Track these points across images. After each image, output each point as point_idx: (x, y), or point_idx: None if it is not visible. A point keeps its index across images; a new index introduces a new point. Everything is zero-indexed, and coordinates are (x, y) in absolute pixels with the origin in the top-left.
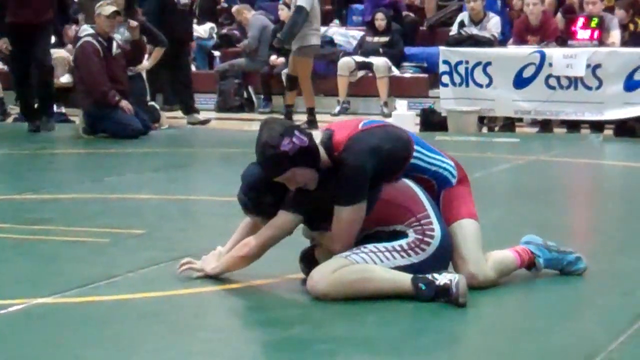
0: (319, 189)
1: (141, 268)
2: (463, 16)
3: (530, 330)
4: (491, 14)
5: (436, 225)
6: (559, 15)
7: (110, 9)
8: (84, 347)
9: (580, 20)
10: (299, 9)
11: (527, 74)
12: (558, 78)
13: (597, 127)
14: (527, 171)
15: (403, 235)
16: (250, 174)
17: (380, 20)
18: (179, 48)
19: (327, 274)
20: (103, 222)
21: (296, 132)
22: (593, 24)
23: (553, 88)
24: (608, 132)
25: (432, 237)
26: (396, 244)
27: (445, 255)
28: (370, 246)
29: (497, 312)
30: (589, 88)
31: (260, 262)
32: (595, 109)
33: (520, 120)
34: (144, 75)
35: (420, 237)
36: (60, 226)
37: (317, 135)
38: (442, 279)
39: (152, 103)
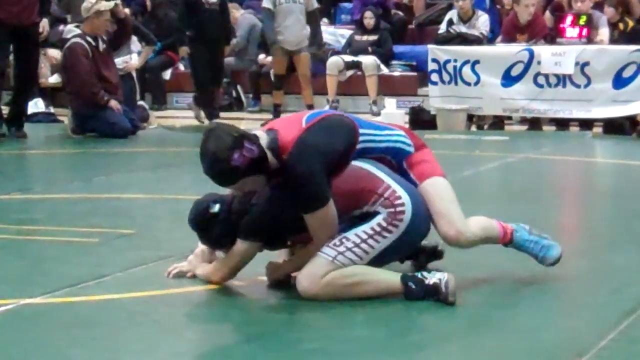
0: (271, 205)
1: (130, 268)
2: (452, 14)
3: (519, 328)
4: (480, 12)
5: (401, 192)
6: (548, 13)
7: (109, 5)
8: (72, 347)
9: (569, 18)
10: (318, 12)
11: (515, 72)
12: (546, 76)
13: (586, 124)
14: (516, 169)
15: (375, 214)
16: (191, 214)
17: (369, 18)
18: (213, 48)
19: (317, 279)
20: (92, 222)
21: (245, 144)
22: (581, 22)
23: (541, 86)
24: (597, 129)
25: (402, 204)
26: (374, 223)
27: (423, 217)
28: (352, 237)
29: (486, 310)
30: (578, 86)
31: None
32: (584, 106)
33: (509, 118)
34: (134, 74)
35: (392, 210)
36: (49, 226)
37: (262, 137)
38: (431, 278)
39: (141, 102)
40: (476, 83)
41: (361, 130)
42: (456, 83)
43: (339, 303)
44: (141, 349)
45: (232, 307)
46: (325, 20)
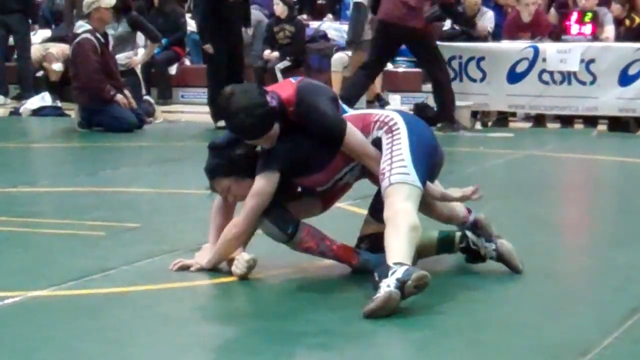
0: (286, 142)
1: (135, 261)
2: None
3: (523, 326)
4: (485, 9)
5: (388, 112)
6: (553, 10)
7: (112, 1)
8: (78, 340)
9: (574, 15)
10: (357, 6)
11: (520, 68)
12: (551, 73)
13: (590, 122)
14: (521, 166)
15: (379, 140)
16: (213, 145)
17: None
18: (235, 42)
19: (397, 205)
20: (98, 216)
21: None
22: (587, 19)
23: (546, 83)
24: (602, 127)
25: (392, 119)
26: (384, 146)
27: (420, 124)
28: (382, 164)
29: (489, 307)
30: (583, 83)
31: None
32: (589, 104)
33: (514, 115)
34: (138, 70)
35: (386, 127)
36: (55, 219)
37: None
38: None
39: (147, 97)
40: (482, 79)
41: None
42: (461, 79)
43: (342, 298)
44: (146, 341)
45: (236, 301)
46: (330, 16)
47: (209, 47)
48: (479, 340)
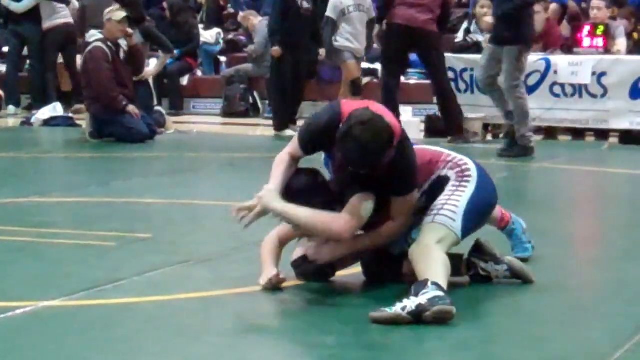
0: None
1: (147, 272)
2: (469, 23)
3: (534, 338)
4: None
5: (462, 156)
6: (565, 22)
7: (121, 14)
8: (90, 350)
9: (586, 28)
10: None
11: (532, 81)
12: (563, 86)
13: (602, 134)
14: (531, 178)
15: (446, 180)
16: (292, 188)
17: None
18: (299, 55)
19: (430, 246)
20: (109, 226)
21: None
22: (599, 32)
23: (558, 95)
24: (613, 139)
25: (466, 164)
26: (449, 187)
27: (488, 178)
28: (437, 202)
29: (500, 319)
30: (594, 96)
31: None
32: (600, 117)
33: None
34: (150, 80)
35: (458, 169)
36: (66, 230)
37: None
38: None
39: (159, 108)
40: None
41: None
42: (472, 92)
43: (353, 310)
44: (158, 352)
45: (248, 313)
46: None
47: (277, 50)
48: (490, 352)
